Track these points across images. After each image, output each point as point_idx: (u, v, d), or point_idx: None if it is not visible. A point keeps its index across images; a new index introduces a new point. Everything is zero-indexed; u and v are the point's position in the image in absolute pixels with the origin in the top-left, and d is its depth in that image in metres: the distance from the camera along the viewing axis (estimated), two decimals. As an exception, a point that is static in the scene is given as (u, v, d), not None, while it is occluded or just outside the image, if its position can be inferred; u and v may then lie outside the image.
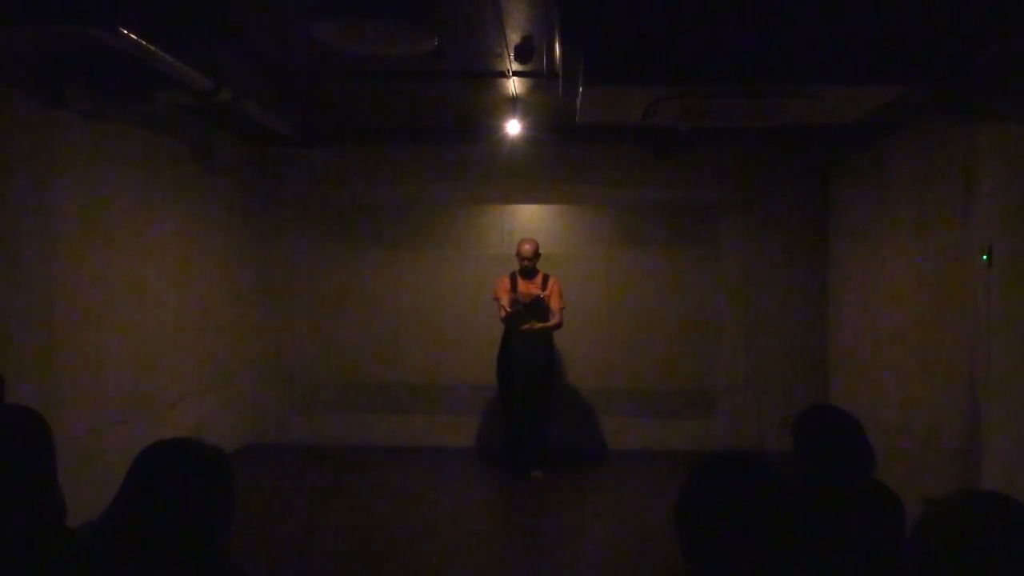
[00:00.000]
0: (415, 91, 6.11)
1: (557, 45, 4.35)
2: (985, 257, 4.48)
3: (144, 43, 4.05)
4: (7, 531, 1.72)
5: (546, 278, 6.60)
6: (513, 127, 6.63)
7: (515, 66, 5.17)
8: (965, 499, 1.50)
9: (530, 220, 7.69)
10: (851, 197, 6.90)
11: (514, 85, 5.65)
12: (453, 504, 6.16)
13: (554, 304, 6.51)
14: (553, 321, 6.51)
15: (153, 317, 6.01)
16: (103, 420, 5.37)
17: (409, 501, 6.14)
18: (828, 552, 2.23)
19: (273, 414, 7.75)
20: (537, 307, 6.48)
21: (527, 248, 6.57)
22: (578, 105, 4.80)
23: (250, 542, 4.88)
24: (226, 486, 1.68)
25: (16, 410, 1.95)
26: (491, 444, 7.38)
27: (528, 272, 6.58)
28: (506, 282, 6.60)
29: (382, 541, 5.22)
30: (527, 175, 7.62)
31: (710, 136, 6.87)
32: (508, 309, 6.46)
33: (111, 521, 1.59)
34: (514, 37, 4.71)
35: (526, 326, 6.42)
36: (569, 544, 5.35)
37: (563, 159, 7.53)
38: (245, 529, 1.76)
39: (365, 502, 6.10)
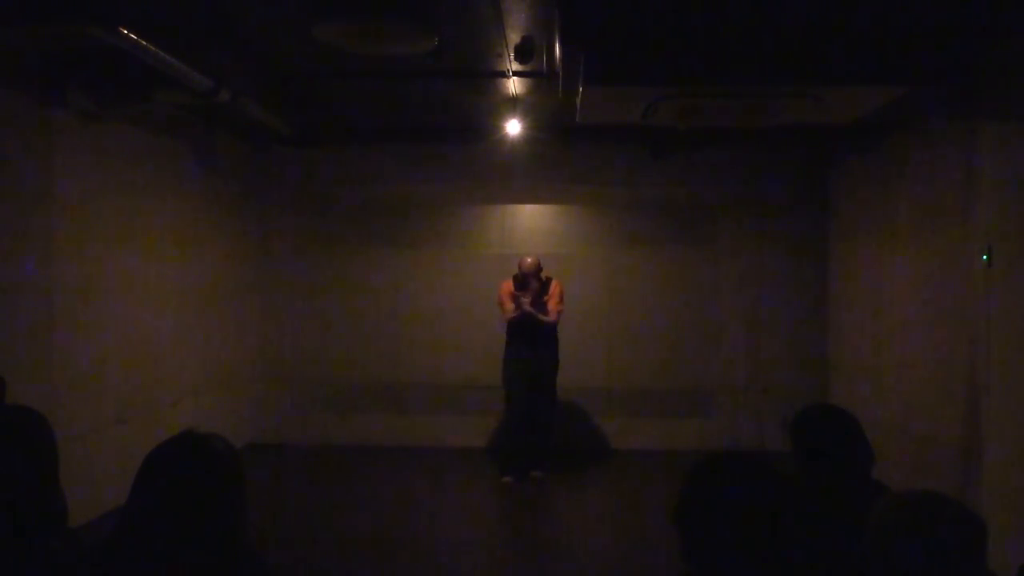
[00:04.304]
0: (415, 91, 6.11)
1: (557, 45, 4.35)
2: (985, 257, 4.48)
3: (144, 43, 4.05)
4: (7, 531, 1.72)
5: (548, 281, 6.53)
6: (513, 127, 6.62)
7: (515, 66, 5.16)
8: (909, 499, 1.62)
9: (530, 220, 7.69)
10: (851, 197, 6.89)
11: (514, 85, 5.65)
12: (453, 504, 6.16)
13: (552, 305, 6.46)
14: (548, 319, 6.45)
15: (153, 317, 6.01)
16: (103, 420, 5.37)
17: (409, 501, 6.15)
18: (827, 552, 2.23)
19: (273, 414, 7.74)
20: (540, 309, 6.43)
21: (528, 263, 6.44)
22: (578, 105, 4.81)
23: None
24: (236, 476, 1.67)
25: (16, 410, 1.94)
26: (492, 444, 7.38)
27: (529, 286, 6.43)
28: (510, 285, 6.51)
29: (382, 541, 5.21)
30: (527, 175, 7.61)
31: (710, 136, 6.86)
32: (513, 315, 6.36)
33: (127, 523, 1.59)
34: (514, 37, 4.70)
35: (526, 308, 6.33)
36: (569, 544, 5.35)
37: (563, 159, 7.52)
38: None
39: (365, 502, 6.10)
